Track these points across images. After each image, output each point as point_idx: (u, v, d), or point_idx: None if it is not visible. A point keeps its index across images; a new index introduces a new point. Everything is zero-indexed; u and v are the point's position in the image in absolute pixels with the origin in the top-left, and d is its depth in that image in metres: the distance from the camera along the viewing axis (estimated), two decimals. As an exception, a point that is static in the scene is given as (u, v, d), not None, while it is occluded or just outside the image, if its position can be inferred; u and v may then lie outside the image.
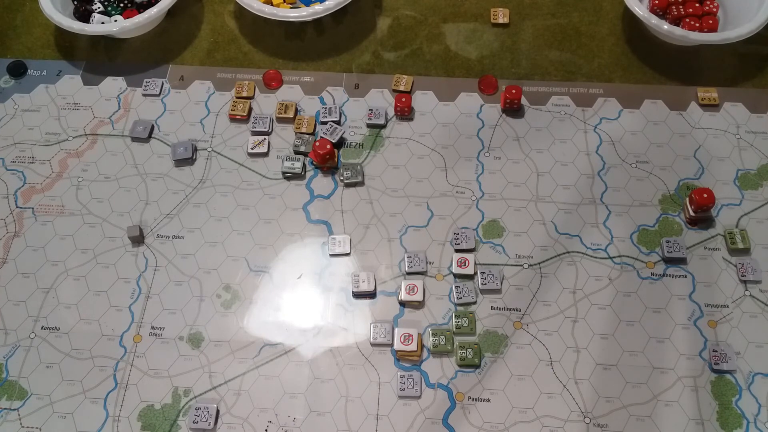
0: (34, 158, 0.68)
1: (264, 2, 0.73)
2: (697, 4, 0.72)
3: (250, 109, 0.70)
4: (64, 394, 0.55)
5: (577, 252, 0.61)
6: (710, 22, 0.70)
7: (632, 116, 0.69)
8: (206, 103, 0.71)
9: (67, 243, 0.62)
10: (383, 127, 0.69)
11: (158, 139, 0.68)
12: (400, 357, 0.56)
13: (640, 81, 0.71)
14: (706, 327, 0.57)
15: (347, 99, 0.71)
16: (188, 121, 0.70)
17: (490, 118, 0.69)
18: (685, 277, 0.59)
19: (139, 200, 0.65)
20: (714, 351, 0.55)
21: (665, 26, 0.69)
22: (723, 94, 0.70)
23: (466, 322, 0.57)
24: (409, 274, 0.60)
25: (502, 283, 0.59)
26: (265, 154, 0.67)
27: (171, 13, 0.77)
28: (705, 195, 0.60)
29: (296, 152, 0.67)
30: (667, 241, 0.60)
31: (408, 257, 0.60)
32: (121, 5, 0.75)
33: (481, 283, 0.59)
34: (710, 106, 0.69)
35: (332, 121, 0.68)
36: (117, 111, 0.71)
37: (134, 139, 0.69)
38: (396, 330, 0.56)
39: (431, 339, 0.56)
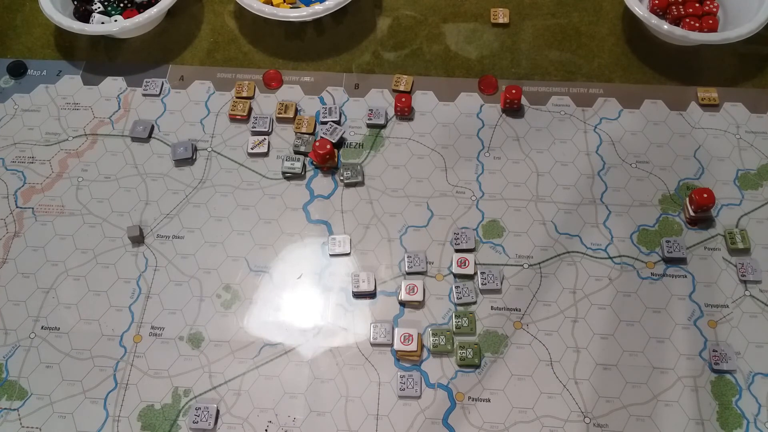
0: (34, 158, 0.68)
1: (264, 2, 0.73)
2: (697, 4, 0.72)
3: (250, 109, 0.70)
4: (64, 394, 0.55)
5: (577, 252, 0.61)
6: (710, 22, 0.70)
7: (632, 116, 0.69)
8: (206, 103, 0.71)
9: (67, 243, 0.62)
10: (383, 127, 0.69)
11: (158, 139, 0.68)
12: (400, 357, 0.56)
13: (640, 81, 0.71)
14: (706, 327, 0.57)
15: (347, 99, 0.71)
16: (188, 121, 0.70)
17: (490, 118, 0.69)
18: (685, 277, 0.59)
19: (139, 200, 0.65)
20: (714, 351, 0.55)
21: (665, 26, 0.69)
22: (723, 94, 0.70)
23: (466, 322, 0.57)
24: (409, 274, 0.60)
25: (502, 283, 0.59)
26: (265, 154, 0.67)
27: (171, 13, 0.77)
28: (705, 195, 0.60)
29: (296, 152, 0.67)
30: (667, 241, 0.60)
31: (408, 257, 0.60)
32: (121, 5, 0.75)
33: (481, 283, 0.59)
34: (710, 106, 0.69)
35: (332, 121, 0.68)
36: (117, 111, 0.71)
37: (134, 139, 0.69)
38: (396, 330, 0.56)
39: (431, 339, 0.56)
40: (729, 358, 0.55)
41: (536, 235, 0.62)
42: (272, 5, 0.73)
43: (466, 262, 0.60)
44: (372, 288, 0.59)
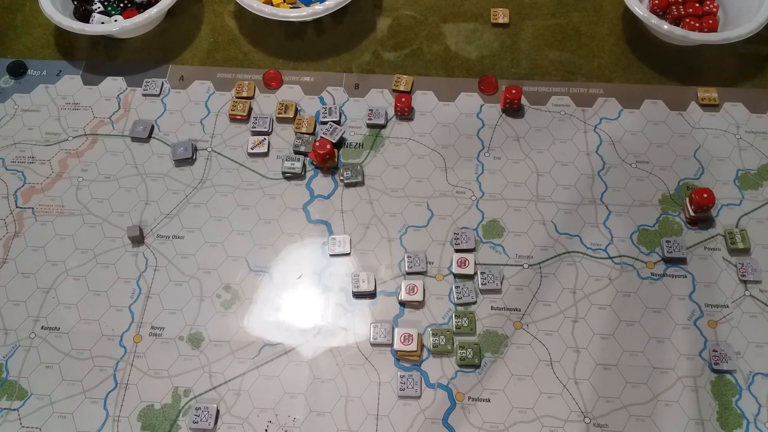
0: (34, 158, 0.68)
1: (264, 2, 0.73)
2: (697, 4, 0.72)
3: (250, 109, 0.70)
4: (64, 394, 0.55)
5: (577, 252, 0.61)
6: (710, 22, 0.70)
7: (632, 116, 0.69)
8: (206, 103, 0.71)
9: (67, 243, 0.62)
10: (383, 127, 0.69)
11: (158, 139, 0.68)
12: (400, 357, 0.56)
13: (640, 81, 0.71)
14: (706, 327, 0.57)
15: (347, 99, 0.71)
16: (188, 121, 0.70)
17: (490, 118, 0.69)
18: (685, 277, 0.59)
19: (139, 200, 0.65)
20: (714, 351, 0.55)
21: (665, 26, 0.69)
22: (723, 94, 0.70)
23: (466, 322, 0.57)
24: (409, 274, 0.60)
25: (502, 283, 0.59)
26: (265, 154, 0.67)
27: (171, 13, 0.77)
28: (705, 195, 0.60)
29: (296, 152, 0.67)
30: (667, 241, 0.60)
31: (408, 257, 0.60)
32: (121, 5, 0.75)
33: (481, 283, 0.59)
34: (710, 106, 0.69)
35: (332, 121, 0.68)
36: (117, 111, 0.71)
37: (134, 139, 0.69)
38: (396, 330, 0.56)
39: (431, 339, 0.56)
40: (729, 358, 0.55)
41: (536, 235, 0.62)
42: (272, 5, 0.73)
43: (466, 262, 0.60)
44: (372, 288, 0.59)
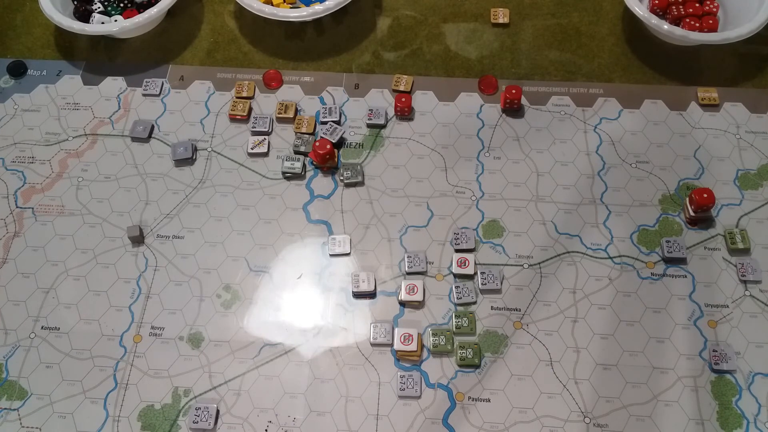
0: (34, 158, 0.68)
1: (264, 2, 0.73)
2: (697, 4, 0.72)
3: (250, 109, 0.70)
4: (64, 394, 0.55)
5: (577, 252, 0.61)
6: (710, 22, 0.70)
7: (632, 116, 0.69)
8: (206, 103, 0.71)
9: (67, 243, 0.62)
10: (383, 127, 0.69)
11: (158, 139, 0.68)
12: (400, 357, 0.56)
13: (640, 81, 0.71)
14: (706, 327, 0.57)
15: (347, 99, 0.71)
16: (188, 121, 0.70)
17: (490, 118, 0.69)
18: (685, 277, 0.59)
19: (139, 200, 0.65)
20: (714, 351, 0.55)
21: (665, 26, 0.69)
22: (723, 94, 0.70)
23: (466, 322, 0.57)
24: (409, 274, 0.60)
25: (502, 283, 0.59)
26: (265, 154, 0.67)
27: (171, 13, 0.77)
28: (705, 195, 0.60)
29: (296, 152, 0.67)
30: (667, 241, 0.60)
31: (408, 257, 0.60)
32: (121, 5, 0.75)
33: (481, 283, 0.59)
34: (710, 106, 0.69)
35: (332, 121, 0.68)
36: (117, 111, 0.71)
37: (134, 139, 0.69)
38: (396, 330, 0.56)
39: (431, 339, 0.56)
40: (729, 358, 0.55)
41: (536, 235, 0.62)
42: (272, 5, 0.73)
43: (466, 262, 0.60)
44: (372, 288, 0.59)
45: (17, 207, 0.65)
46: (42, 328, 0.58)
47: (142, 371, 0.56)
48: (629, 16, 0.74)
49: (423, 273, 0.60)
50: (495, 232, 0.62)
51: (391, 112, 0.69)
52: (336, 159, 0.66)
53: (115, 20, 0.74)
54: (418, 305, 0.58)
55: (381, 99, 0.70)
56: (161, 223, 0.63)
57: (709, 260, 0.60)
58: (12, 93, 0.72)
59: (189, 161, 0.67)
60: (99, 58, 0.75)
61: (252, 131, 0.68)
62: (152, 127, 0.69)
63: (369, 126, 0.69)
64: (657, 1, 0.73)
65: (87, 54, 0.75)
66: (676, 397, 0.54)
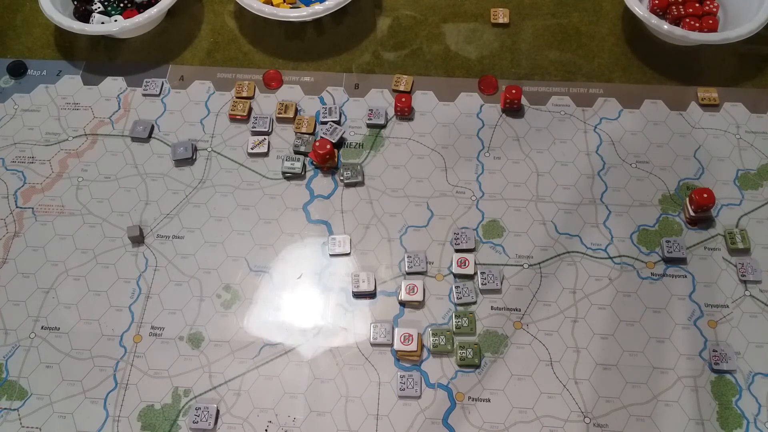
0: (34, 158, 0.68)
1: (264, 2, 0.73)
2: (697, 4, 0.72)
3: (250, 109, 0.70)
4: (64, 394, 0.55)
5: (577, 252, 0.61)
6: (710, 22, 0.70)
7: (632, 116, 0.69)
8: (206, 103, 0.71)
9: (67, 243, 0.62)
10: (383, 127, 0.69)
11: (158, 139, 0.68)
12: (400, 357, 0.56)
13: (640, 81, 0.71)
14: (706, 327, 0.57)
15: (347, 99, 0.71)
16: (188, 121, 0.70)
17: (490, 118, 0.69)
18: (685, 277, 0.59)
19: (139, 200, 0.65)
20: (714, 351, 0.55)
21: (665, 26, 0.69)
22: (723, 94, 0.70)
23: (466, 322, 0.57)
24: (409, 274, 0.60)
25: (502, 283, 0.59)
26: (265, 154, 0.67)
27: (171, 13, 0.77)
28: (705, 195, 0.60)
29: (296, 152, 0.67)
30: (667, 241, 0.60)
31: (408, 257, 0.60)
32: (121, 5, 0.75)
33: (481, 283, 0.59)
34: (710, 106, 0.69)
35: (332, 121, 0.68)
36: (117, 111, 0.71)
37: (134, 139, 0.69)
38: (396, 330, 0.56)
39: (431, 339, 0.56)
40: (729, 358, 0.55)
41: (536, 235, 0.62)
42: (272, 5, 0.73)
43: (466, 262, 0.60)
44: (372, 288, 0.59)
45: (17, 207, 0.65)
46: (42, 328, 0.58)
47: (142, 371, 0.56)
48: (629, 16, 0.74)
49: (423, 273, 0.60)
50: (495, 232, 0.62)
51: (391, 112, 0.69)
52: (336, 159, 0.66)
53: (115, 20, 0.74)
54: (418, 305, 0.58)
55: (381, 99, 0.70)
56: (161, 223, 0.63)
57: (709, 260, 0.60)
58: (12, 93, 0.72)
59: (189, 161, 0.67)
60: (99, 58, 0.75)
61: (252, 131, 0.68)
62: (152, 127, 0.69)
63: (369, 126, 0.69)
64: (657, 1, 0.73)
65: (87, 54, 0.75)
66: (676, 397, 0.54)
